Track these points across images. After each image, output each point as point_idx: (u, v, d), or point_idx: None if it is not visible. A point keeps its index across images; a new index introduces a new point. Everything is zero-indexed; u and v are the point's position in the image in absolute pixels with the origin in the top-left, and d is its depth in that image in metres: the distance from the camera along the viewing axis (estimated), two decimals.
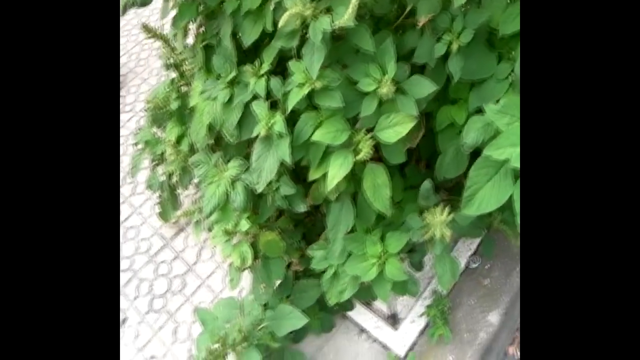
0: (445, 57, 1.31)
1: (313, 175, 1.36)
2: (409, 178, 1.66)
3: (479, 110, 1.29)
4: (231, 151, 1.58)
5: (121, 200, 2.75)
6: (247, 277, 1.81)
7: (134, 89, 3.39)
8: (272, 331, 1.61)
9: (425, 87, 1.26)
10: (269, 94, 1.34)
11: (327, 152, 1.31)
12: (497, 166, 1.10)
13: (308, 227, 1.90)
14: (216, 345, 1.47)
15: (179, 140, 1.83)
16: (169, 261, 2.44)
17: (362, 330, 2.03)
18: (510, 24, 1.25)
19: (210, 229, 1.68)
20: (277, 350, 1.69)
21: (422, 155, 1.68)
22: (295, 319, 1.63)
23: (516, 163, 1.00)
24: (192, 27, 1.57)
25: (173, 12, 1.44)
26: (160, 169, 2.17)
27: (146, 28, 1.56)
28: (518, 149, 1.02)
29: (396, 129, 1.24)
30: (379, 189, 1.30)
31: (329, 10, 1.18)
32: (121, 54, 3.67)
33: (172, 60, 1.75)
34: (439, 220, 1.34)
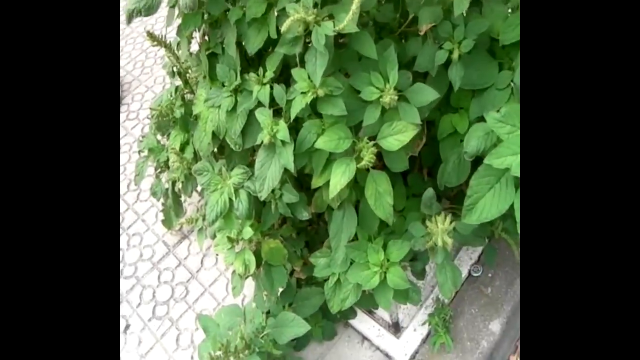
0: (447, 65, 1.32)
1: (316, 182, 1.37)
2: (411, 186, 1.67)
3: (481, 119, 1.29)
4: (235, 159, 1.59)
5: (125, 207, 2.76)
6: (249, 285, 1.81)
7: (139, 96, 3.41)
8: (274, 339, 1.61)
9: (427, 94, 1.26)
10: (272, 102, 1.34)
11: (330, 160, 1.32)
12: (498, 175, 1.10)
13: (311, 235, 1.90)
14: (218, 353, 1.47)
15: (182, 147, 1.84)
16: (172, 268, 2.45)
17: (365, 338, 2.03)
18: (511, 33, 1.27)
19: (213, 237, 1.68)
20: (279, 357, 1.68)
21: (425, 164, 1.68)
22: (298, 327, 1.62)
23: (517, 172, 1.01)
24: (197, 35, 1.58)
25: (178, 21, 1.45)
26: (164, 177, 2.17)
27: (151, 36, 1.56)
28: (518, 158, 1.02)
29: (398, 137, 1.24)
30: (381, 197, 1.30)
31: (331, 17, 1.19)
32: (126, 61, 3.70)
33: (176, 68, 1.76)
34: (440, 228, 1.34)
